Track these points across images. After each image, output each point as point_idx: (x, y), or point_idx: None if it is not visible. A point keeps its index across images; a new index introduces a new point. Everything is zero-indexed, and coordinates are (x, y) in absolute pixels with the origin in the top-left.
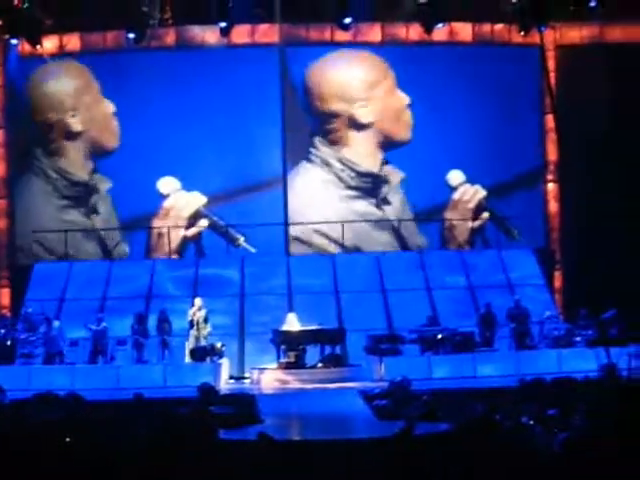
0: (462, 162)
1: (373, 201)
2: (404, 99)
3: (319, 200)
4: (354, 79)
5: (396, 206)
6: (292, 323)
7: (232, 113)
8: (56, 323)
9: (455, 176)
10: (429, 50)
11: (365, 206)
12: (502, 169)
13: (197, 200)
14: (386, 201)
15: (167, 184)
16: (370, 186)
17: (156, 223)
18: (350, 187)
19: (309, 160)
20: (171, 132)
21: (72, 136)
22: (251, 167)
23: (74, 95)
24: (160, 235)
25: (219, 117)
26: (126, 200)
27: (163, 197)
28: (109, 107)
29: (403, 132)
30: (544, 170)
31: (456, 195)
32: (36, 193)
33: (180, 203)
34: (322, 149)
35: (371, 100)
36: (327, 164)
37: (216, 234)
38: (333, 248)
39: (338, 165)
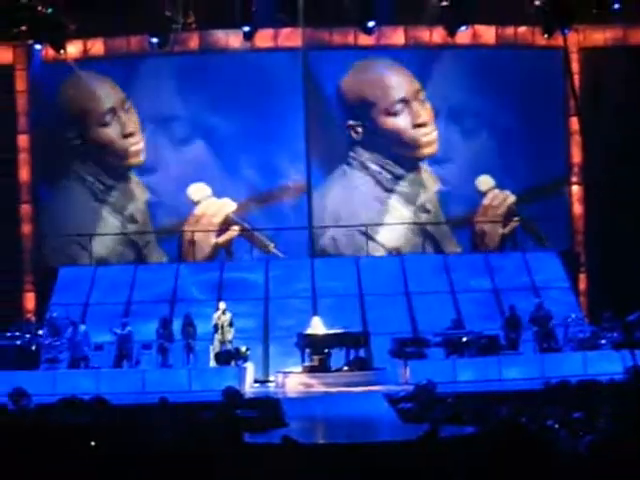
0: (489, 167)
1: (411, 207)
2: (431, 112)
3: (358, 202)
4: (391, 88)
5: (433, 211)
6: (317, 326)
7: (256, 117)
8: (82, 327)
9: (484, 181)
10: (452, 53)
11: (401, 209)
12: (528, 173)
13: (227, 206)
14: (423, 207)
15: (198, 191)
16: (407, 190)
17: (187, 230)
18: (387, 190)
19: (348, 164)
20: (197, 138)
21: (106, 144)
22: (278, 172)
23: (106, 105)
24: (191, 242)
25: (244, 122)
26: (158, 207)
27: (194, 204)
28: (136, 117)
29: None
30: (569, 173)
31: (486, 201)
32: (73, 197)
33: (211, 210)
34: (360, 153)
35: (404, 110)
36: (365, 167)
37: (246, 240)
38: (381, 251)
39: (376, 168)
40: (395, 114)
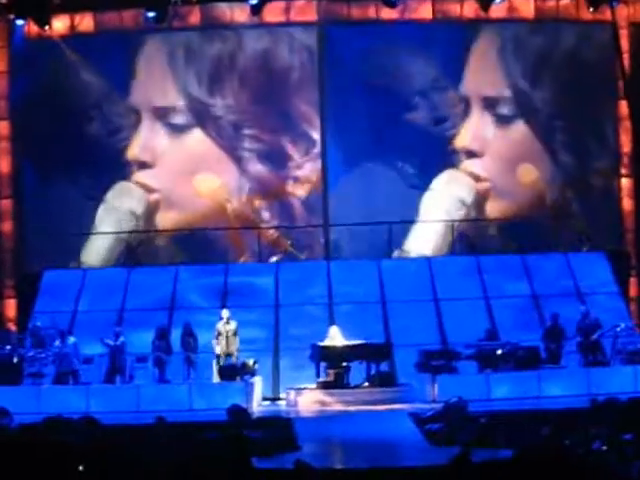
0: (530, 157)
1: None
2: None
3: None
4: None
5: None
6: (335, 337)
7: (265, 103)
8: (71, 339)
9: (526, 172)
10: (485, 28)
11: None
12: (571, 164)
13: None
14: (458, 204)
15: (204, 181)
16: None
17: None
18: (413, 186)
19: (371, 158)
20: (196, 126)
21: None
22: (288, 164)
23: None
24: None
25: (251, 108)
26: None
27: (200, 197)
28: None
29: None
30: (617, 164)
31: (529, 194)
32: (63, 192)
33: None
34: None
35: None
36: (390, 162)
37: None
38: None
39: (402, 164)
40: (414, 107)
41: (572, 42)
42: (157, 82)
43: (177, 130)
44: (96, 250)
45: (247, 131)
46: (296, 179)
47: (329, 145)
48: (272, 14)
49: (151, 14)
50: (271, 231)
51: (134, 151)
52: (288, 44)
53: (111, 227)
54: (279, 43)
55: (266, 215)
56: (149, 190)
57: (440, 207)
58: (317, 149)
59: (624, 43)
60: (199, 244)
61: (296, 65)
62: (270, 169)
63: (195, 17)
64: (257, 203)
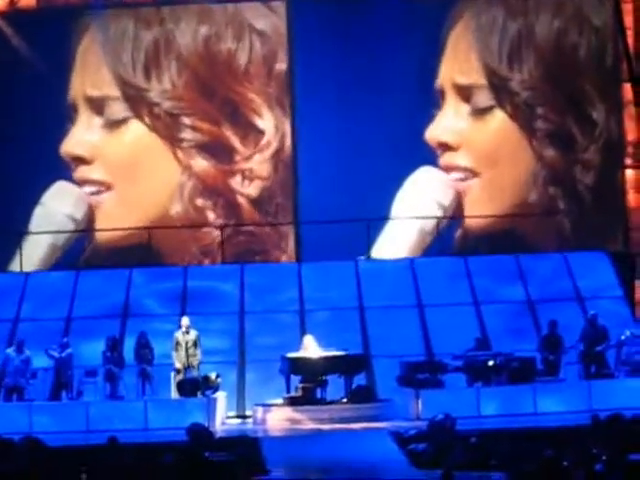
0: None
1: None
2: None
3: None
4: None
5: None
6: (309, 348)
7: (209, 87)
8: (26, 352)
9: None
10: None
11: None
12: (571, 150)
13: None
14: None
15: (145, 181)
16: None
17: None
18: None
19: None
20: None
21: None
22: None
23: None
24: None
25: (194, 92)
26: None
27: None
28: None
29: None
30: (621, 154)
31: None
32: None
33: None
34: None
35: None
36: None
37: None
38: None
39: None
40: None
41: (568, 17)
42: (92, 69)
43: (114, 123)
44: (28, 258)
45: (186, 120)
46: (243, 174)
47: (298, 140)
48: None
49: None
50: (216, 232)
51: (68, 146)
52: (236, 26)
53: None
54: (224, 25)
55: (211, 216)
56: (89, 190)
57: (414, 209)
58: (266, 140)
59: (628, 20)
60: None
61: (244, 48)
62: (214, 163)
63: None
64: (200, 202)
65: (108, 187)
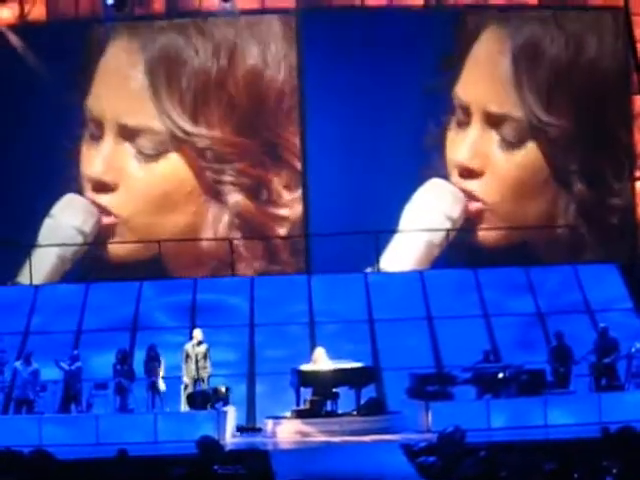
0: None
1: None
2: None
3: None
4: None
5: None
6: (320, 360)
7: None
8: (34, 365)
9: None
10: (483, 15)
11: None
12: (583, 163)
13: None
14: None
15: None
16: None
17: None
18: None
19: None
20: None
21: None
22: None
23: None
24: None
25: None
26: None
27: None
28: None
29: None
30: (632, 165)
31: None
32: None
33: None
34: None
35: None
36: None
37: None
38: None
39: None
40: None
41: (580, 29)
42: (123, 93)
43: (149, 155)
44: (36, 270)
45: (230, 166)
46: (280, 217)
47: (309, 154)
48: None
49: (110, 1)
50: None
51: (94, 168)
52: (263, 33)
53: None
54: (252, 32)
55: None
56: (105, 212)
57: (423, 221)
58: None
59: (638, 32)
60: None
61: (279, 80)
62: (254, 204)
63: (159, 4)
64: (235, 241)
65: (127, 216)
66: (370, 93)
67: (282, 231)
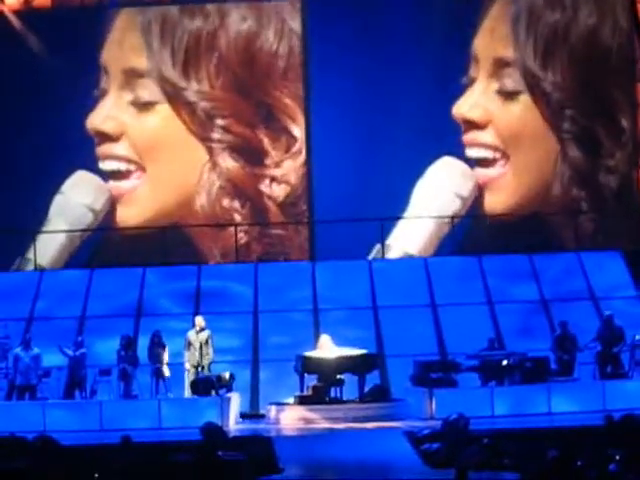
0: (537, 137)
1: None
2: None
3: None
4: None
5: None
6: (325, 347)
7: (247, 90)
8: (35, 350)
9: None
10: None
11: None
12: (584, 152)
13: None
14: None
15: (170, 167)
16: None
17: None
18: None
19: None
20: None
21: None
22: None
23: None
24: None
25: (230, 93)
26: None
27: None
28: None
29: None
30: (637, 153)
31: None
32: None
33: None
34: None
35: None
36: None
37: None
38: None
39: None
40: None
41: (579, 14)
42: (127, 54)
43: (145, 104)
44: (45, 250)
45: (220, 121)
46: (273, 179)
47: (314, 136)
48: None
49: None
50: (240, 234)
51: (95, 121)
52: (275, 26)
53: (66, 224)
54: (266, 25)
55: (237, 217)
56: (111, 175)
57: (433, 200)
58: (298, 146)
59: None
60: (166, 243)
61: (283, 52)
62: (244, 165)
63: None
64: (227, 203)
65: (135, 165)
66: (376, 71)
67: (275, 194)
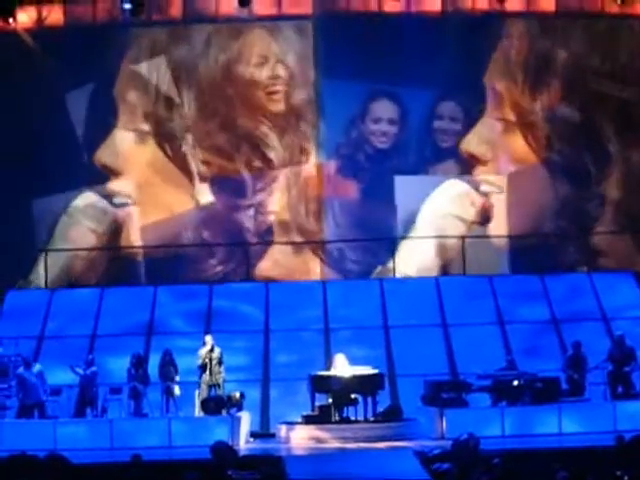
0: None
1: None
2: None
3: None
4: None
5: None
6: (342, 367)
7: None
8: (36, 367)
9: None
10: (500, 22)
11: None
12: (587, 167)
13: None
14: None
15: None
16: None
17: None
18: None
19: None
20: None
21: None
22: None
23: None
24: None
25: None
26: None
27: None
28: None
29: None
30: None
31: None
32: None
33: None
34: None
35: None
36: None
37: None
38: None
39: None
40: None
41: (598, 39)
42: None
43: (141, 137)
44: (50, 269)
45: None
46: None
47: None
48: (263, 6)
49: (127, 6)
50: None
51: (103, 156)
52: (280, 38)
53: (71, 243)
54: (270, 37)
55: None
56: (115, 202)
57: (436, 223)
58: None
59: None
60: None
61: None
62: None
63: (176, 9)
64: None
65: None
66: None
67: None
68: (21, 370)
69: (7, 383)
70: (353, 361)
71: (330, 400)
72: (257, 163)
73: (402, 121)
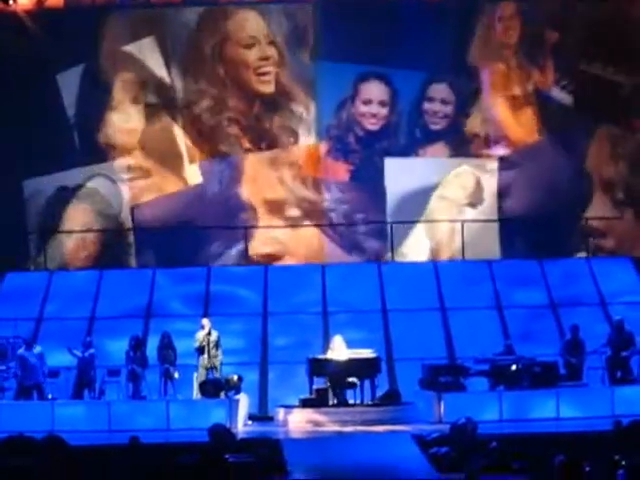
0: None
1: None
2: None
3: None
4: None
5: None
6: (337, 349)
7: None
8: (37, 348)
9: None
10: (492, 4)
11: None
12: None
13: None
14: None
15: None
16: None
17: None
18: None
19: None
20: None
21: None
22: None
23: None
24: None
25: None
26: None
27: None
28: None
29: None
30: None
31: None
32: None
33: None
34: None
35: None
36: None
37: None
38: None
39: None
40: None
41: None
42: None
43: (151, 111)
44: (59, 251)
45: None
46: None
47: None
48: None
49: None
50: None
51: (108, 134)
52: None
53: (80, 225)
54: (270, 19)
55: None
56: (126, 179)
57: (447, 209)
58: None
59: None
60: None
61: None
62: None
63: None
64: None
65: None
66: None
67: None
68: (22, 351)
69: (5, 365)
70: (351, 344)
71: (328, 383)
72: (247, 144)
73: (393, 103)
